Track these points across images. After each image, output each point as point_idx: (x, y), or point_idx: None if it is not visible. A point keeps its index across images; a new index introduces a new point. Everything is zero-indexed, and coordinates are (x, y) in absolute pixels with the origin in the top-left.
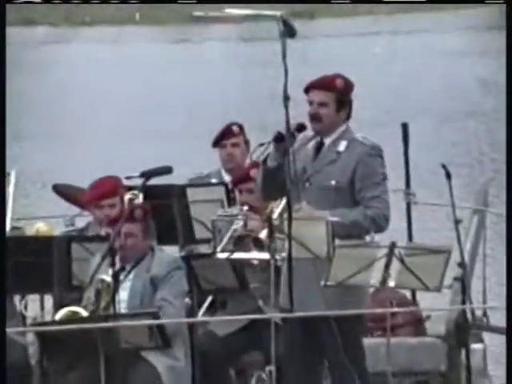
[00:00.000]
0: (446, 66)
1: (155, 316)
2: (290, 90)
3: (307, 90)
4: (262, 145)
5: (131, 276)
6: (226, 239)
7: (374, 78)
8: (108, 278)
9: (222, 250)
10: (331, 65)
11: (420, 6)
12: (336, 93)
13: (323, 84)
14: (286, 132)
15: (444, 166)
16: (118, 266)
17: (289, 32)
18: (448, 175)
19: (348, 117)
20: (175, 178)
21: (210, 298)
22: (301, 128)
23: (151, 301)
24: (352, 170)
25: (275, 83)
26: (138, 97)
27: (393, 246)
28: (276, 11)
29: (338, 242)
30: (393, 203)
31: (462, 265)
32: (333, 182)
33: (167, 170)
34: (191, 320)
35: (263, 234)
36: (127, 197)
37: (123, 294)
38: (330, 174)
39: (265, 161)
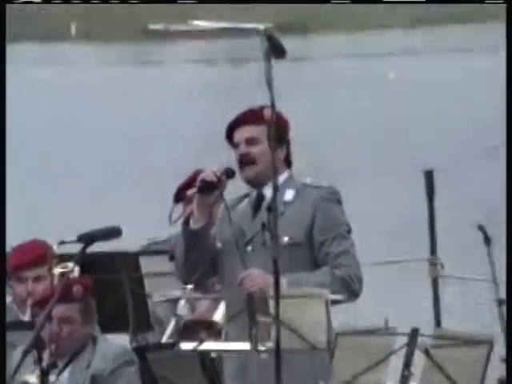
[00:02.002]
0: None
1: None
2: None
3: (230, 134)
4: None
5: (65, 375)
6: (168, 331)
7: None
8: (33, 380)
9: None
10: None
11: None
12: (267, 126)
13: (248, 117)
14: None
15: (481, 228)
16: (46, 361)
17: (275, 51)
18: (487, 239)
19: (288, 161)
20: (125, 244)
21: None
22: (231, 173)
23: None
24: (309, 221)
25: None
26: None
27: (415, 333)
28: (260, 24)
29: (340, 327)
30: (413, 277)
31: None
32: (285, 239)
33: (115, 233)
34: None
35: (218, 316)
36: (58, 270)
37: None
38: (279, 230)
39: (186, 221)
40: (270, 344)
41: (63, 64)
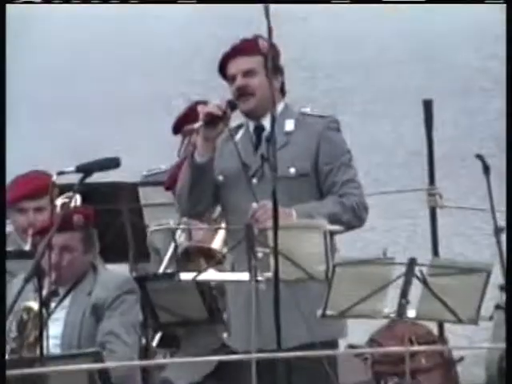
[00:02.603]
0: None
1: (97, 358)
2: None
3: (223, 65)
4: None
5: (66, 302)
6: (166, 260)
7: None
8: (35, 306)
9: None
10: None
11: None
12: (262, 56)
13: (244, 48)
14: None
15: (480, 157)
16: (47, 289)
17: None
18: (486, 168)
19: (283, 90)
20: (124, 174)
21: (158, 335)
22: (234, 105)
23: (93, 335)
24: (314, 151)
25: None
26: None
27: (412, 263)
28: None
29: (338, 258)
30: (412, 207)
31: (506, 288)
32: (292, 170)
33: (113, 163)
34: (145, 363)
35: (216, 244)
36: (60, 200)
37: (55, 327)
38: (284, 160)
39: (191, 155)
40: (269, 274)
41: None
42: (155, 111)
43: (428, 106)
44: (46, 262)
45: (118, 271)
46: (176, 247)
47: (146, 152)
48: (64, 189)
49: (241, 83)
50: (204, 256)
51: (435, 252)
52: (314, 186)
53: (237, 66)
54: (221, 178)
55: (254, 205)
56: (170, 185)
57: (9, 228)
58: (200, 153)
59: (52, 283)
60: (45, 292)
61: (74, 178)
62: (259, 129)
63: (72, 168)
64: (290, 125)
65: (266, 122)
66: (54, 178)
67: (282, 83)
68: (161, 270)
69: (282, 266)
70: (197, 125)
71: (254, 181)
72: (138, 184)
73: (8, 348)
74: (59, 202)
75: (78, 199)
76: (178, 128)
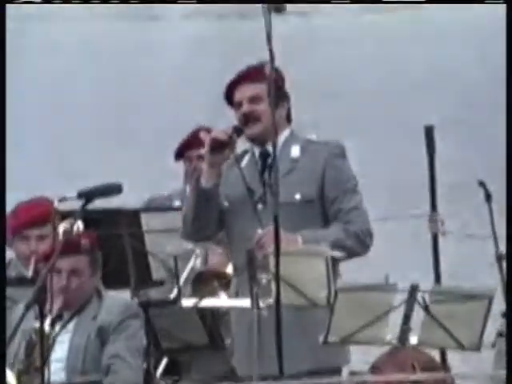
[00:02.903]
0: None
1: None
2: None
3: (229, 92)
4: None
5: (70, 326)
6: (183, 278)
7: None
8: (46, 328)
9: (178, 296)
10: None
11: None
12: (267, 83)
13: (250, 75)
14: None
15: (482, 184)
16: (55, 312)
17: (275, 5)
18: (488, 196)
19: (289, 118)
20: (126, 200)
21: (165, 361)
22: (239, 131)
23: (98, 358)
24: (319, 177)
25: None
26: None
27: (414, 289)
28: None
29: (340, 283)
30: (413, 233)
31: (506, 314)
32: (297, 196)
33: (115, 189)
34: None
35: (230, 269)
36: (62, 226)
37: (60, 351)
38: (290, 186)
39: (197, 179)
40: (271, 301)
41: (60, 20)
42: (159, 138)
43: (429, 131)
44: (53, 286)
45: (123, 296)
46: (191, 271)
47: (149, 178)
48: (66, 215)
49: (247, 109)
50: (218, 280)
51: (437, 278)
52: (318, 212)
53: (243, 92)
54: (226, 203)
55: (259, 231)
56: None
57: (10, 255)
58: (206, 178)
59: (60, 307)
60: (51, 316)
61: (76, 204)
62: (264, 154)
63: (74, 194)
64: (295, 151)
65: (270, 148)
66: (56, 204)
67: (287, 110)
68: (173, 294)
69: (283, 292)
70: (202, 150)
71: (260, 207)
72: (140, 210)
73: (16, 370)
74: (61, 228)
75: (80, 225)
76: (180, 154)
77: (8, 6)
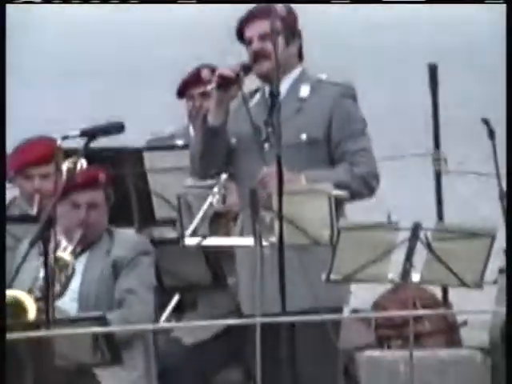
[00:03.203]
0: None
1: (102, 322)
2: None
3: (241, 31)
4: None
5: (83, 259)
6: (197, 219)
7: None
8: (66, 256)
9: (193, 233)
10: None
11: None
12: (280, 20)
13: (260, 12)
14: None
15: (486, 122)
16: (75, 244)
17: None
18: (491, 133)
19: (301, 55)
20: (128, 139)
21: (176, 298)
22: (247, 68)
23: (110, 291)
24: (327, 118)
25: None
26: None
27: (417, 227)
28: None
29: (342, 222)
30: (416, 171)
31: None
32: (303, 136)
33: (117, 128)
34: (151, 327)
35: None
36: (65, 166)
37: (73, 281)
38: (297, 126)
39: (204, 117)
40: (273, 239)
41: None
42: (159, 76)
43: (433, 70)
44: (68, 220)
45: (133, 233)
46: (208, 208)
47: (151, 117)
48: (69, 153)
49: (257, 46)
50: (234, 221)
51: (440, 217)
52: (324, 153)
53: (253, 29)
54: (233, 141)
55: (264, 169)
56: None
57: (13, 193)
58: (213, 116)
59: (78, 240)
60: (72, 245)
61: (79, 143)
62: (272, 94)
63: (76, 132)
64: (304, 90)
65: (282, 87)
66: (59, 142)
67: (299, 48)
68: (190, 230)
69: (286, 231)
70: (209, 87)
71: (266, 146)
72: (142, 149)
73: (34, 297)
74: (64, 166)
75: (83, 163)
76: (182, 92)
77: (8, 5)
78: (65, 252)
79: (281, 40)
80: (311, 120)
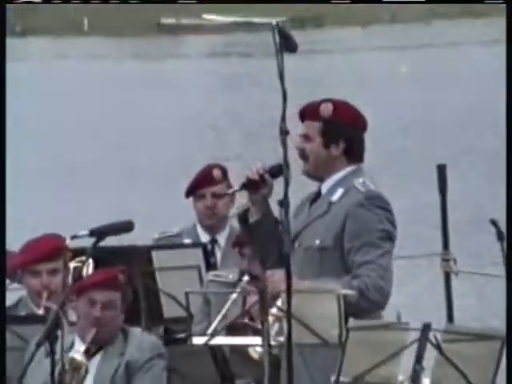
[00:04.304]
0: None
1: None
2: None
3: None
4: None
5: (96, 359)
6: (217, 319)
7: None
8: (79, 357)
9: (214, 332)
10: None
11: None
12: (321, 122)
13: (306, 112)
14: (271, 175)
15: (494, 223)
16: (87, 345)
17: (287, 45)
18: (500, 235)
19: (352, 157)
20: (137, 238)
21: None
22: (277, 171)
23: None
24: (340, 226)
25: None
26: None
27: (426, 328)
28: (271, 18)
29: (352, 322)
30: (425, 272)
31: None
32: (317, 242)
33: (127, 227)
34: None
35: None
36: (73, 264)
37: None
38: (317, 230)
39: (243, 217)
40: (282, 339)
41: (76, 58)
42: (169, 176)
43: (442, 170)
44: (83, 318)
45: (149, 335)
46: (224, 315)
47: (160, 216)
48: (76, 253)
49: (297, 146)
50: (251, 332)
51: (450, 318)
52: (337, 260)
53: (299, 129)
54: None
55: (268, 272)
56: (240, 243)
57: (20, 293)
58: (251, 214)
59: (92, 339)
60: (83, 346)
61: (86, 242)
62: (317, 193)
63: (85, 232)
64: (337, 195)
65: (324, 187)
66: (68, 241)
67: (346, 149)
68: (211, 329)
69: (294, 330)
70: (231, 190)
71: (296, 245)
72: (151, 247)
73: None
74: (72, 265)
75: (90, 263)
76: (193, 191)
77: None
78: (78, 353)
79: (318, 141)
80: (327, 226)
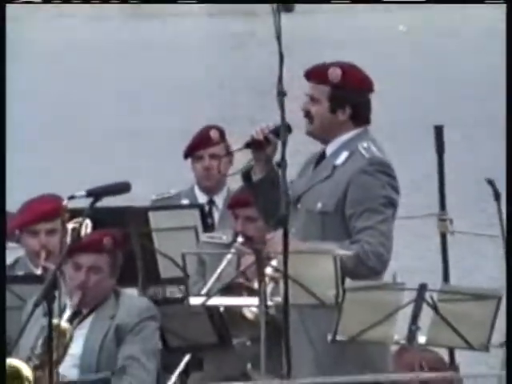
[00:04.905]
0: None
1: None
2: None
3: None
4: None
5: (86, 323)
6: (212, 280)
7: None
8: (64, 324)
9: (209, 293)
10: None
11: None
12: (330, 86)
13: (313, 74)
14: (275, 135)
15: (491, 183)
16: (72, 308)
17: (285, 6)
18: (497, 195)
19: (359, 121)
20: (134, 199)
21: (186, 359)
22: (278, 131)
23: (112, 358)
24: (342, 192)
25: (267, 71)
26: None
27: (423, 288)
28: None
29: (348, 283)
30: (422, 232)
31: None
32: (319, 205)
33: (123, 188)
34: None
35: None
36: (70, 225)
37: (74, 347)
38: (319, 194)
39: (247, 175)
40: (279, 299)
41: (77, 19)
42: (168, 137)
43: (439, 131)
44: (70, 281)
45: (141, 297)
46: (222, 271)
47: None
48: (74, 213)
49: (303, 107)
50: (246, 290)
51: (446, 278)
52: (337, 225)
53: (307, 87)
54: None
55: (269, 235)
56: (234, 204)
57: (17, 253)
58: (255, 172)
59: (77, 303)
60: (70, 311)
61: (83, 203)
62: (321, 155)
63: (83, 192)
64: (341, 158)
65: (329, 149)
66: (65, 202)
67: (350, 113)
68: (205, 290)
69: (291, 291)
70: (235, 149)
71: (298, 206)
72: (148, 208)
73: (31, 364)
74: (70, 226)
75: (88, 224)
76: (191, 152)
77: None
78: (63, 319)
79: (325, 106)
80: (330, 190)
